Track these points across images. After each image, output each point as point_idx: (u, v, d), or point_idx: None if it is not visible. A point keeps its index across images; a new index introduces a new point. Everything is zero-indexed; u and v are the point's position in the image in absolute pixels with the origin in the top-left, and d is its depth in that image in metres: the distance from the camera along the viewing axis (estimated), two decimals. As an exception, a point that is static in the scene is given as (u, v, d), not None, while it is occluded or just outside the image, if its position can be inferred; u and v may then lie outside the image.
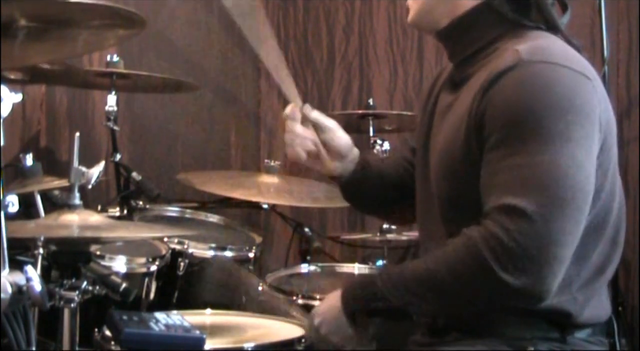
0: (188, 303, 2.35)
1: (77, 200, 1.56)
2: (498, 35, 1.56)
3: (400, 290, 1.47)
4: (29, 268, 1.28)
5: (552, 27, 1.56)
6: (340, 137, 1.78)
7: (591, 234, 1.46)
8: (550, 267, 1.36)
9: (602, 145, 1.46)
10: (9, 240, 1.28)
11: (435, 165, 1.59)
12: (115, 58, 2.68)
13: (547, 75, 1.43)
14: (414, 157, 1.77)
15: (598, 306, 1.54)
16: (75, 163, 1.55)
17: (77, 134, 1.56)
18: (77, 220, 1.54)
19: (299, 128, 1.75)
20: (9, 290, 1.24)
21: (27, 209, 2.08)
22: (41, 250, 1.66)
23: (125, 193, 2.67)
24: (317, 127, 1.76)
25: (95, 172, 1.55)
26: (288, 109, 1.77)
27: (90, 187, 1.56)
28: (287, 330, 1.81)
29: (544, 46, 1.49)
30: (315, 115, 1.77)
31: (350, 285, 1.58)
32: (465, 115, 1.49)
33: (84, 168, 1.55)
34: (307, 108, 1.76)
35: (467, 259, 1.40)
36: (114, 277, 1.60)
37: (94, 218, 1.58)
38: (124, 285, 1.59)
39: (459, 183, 1.52)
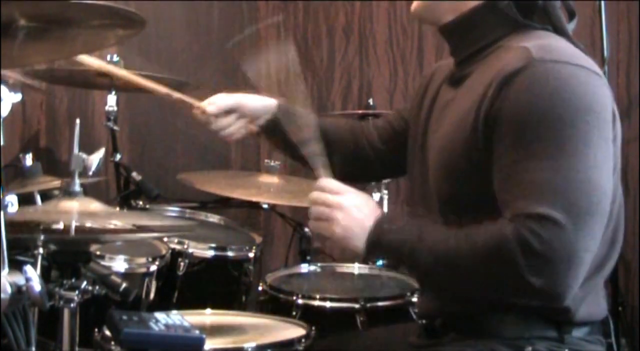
0: (188, 303, 2.35)
1: (77, 187, 1.55)
2: (502, 34, 1.55)
3: (428, 258, 1.44)
4: (28, 268, 1.28)
5: (558, 30, 1.56)
6: (252, 105, 1.97)
7: None
8: (575, 271, 1.37)
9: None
10: (9, 239, 1.28)
11: (434, 163, 1.58)
12: (115, 58, 2.68)
13: (560, 75, 1.42)
14: (403, 127, 1.82)
15: (595, 304, 1.54)
16: (76, 150, 1.54)
17: (78, 121, 1.55)
18: (76, 207, 1.53)
19: (220, 122, 1.94)
20: (9, 290, 1.24)
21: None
22: (41, 250, 1.66)
23: (125, 193, 2.67)
24: (231, 111, 1.95)
25: (95, 159, 1.54)
26: (199, 114, 1.96)
27: (90, 174, 1.55)
28: (287, 330, 1.81)
29: (553, 45, 1.48)
30: (216, 108, 1.95)
31: (383, 223, 1.50)
32: (470, 112, 1.47)
33: (84, 155, 1.54)
34: (210, 108, 1.94)
35: (498, 257, 1.38)
36: (114, 277, 1.59)
37: (94, 205, 1.57)
38: (124, 285, 1.59)
39: (459, 181, 1.51)
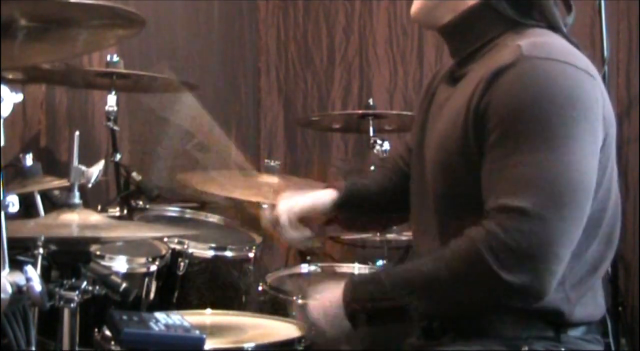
0: (188, 303, 2.35)
1: (77, 200, 1.56)
2: (499, 32, 1.56)
3: (403, 288, 1.47)
4: (29, 268, 1.28)
5: (553, 27, 1.57)
6: (320, 206, 1.87)
7: (586, 232, 1.45)
8: (548, 266, 1.36)
9: (603, 142, 1.47)
10: (9, 240, 1.28)
11: (431, 159, 1.59)
12: (115, 58, 2.68)
13: (548, 72, 1.43)
14: (410, 154, 1.78)
15: (591, 304, 1.54)
16: (75, 162, 1.54)
17: (77, 133, 1.56)
18: (77, 220, 1.54)
19: (289, 232, 1.85)
20: (9, 290, 1.24)
21: (27, 209, 2.08)
22: (41, 250, 1.66)
23: (125, 193, 2.67)
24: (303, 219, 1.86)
25: (95, 171, 1.55)
26: (267, 221, 1.89)
27: (90, 186, 1.55)
28: (287, 330, 1.81)
29: (545, 43, 1.49)
30: (286, 216, 1.85)
31: (352, 281, 1.56)
32: (463, 110, 1.49)
33: (83, 167, 1.55)
34: (280, 214, 1.85)
35: (468, 258, 1.40)
36: (114, 277, 1.59)
37: (94, 217, 1.58)
38: (124, 285, 1.59)
39: (454, 177, 1.52)
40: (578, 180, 1.39)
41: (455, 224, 1.49)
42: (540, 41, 1.49)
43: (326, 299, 1.59)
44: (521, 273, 1.36)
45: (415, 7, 1.64)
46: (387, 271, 1.53)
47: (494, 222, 1.38)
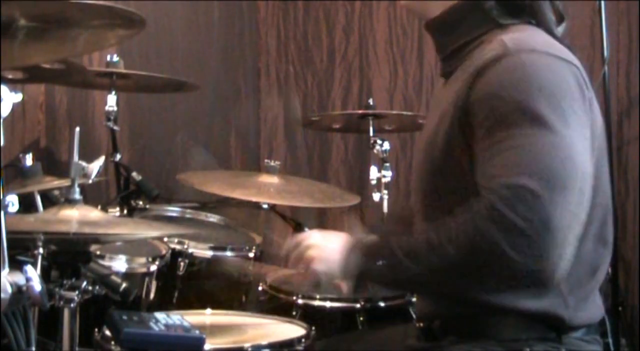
0: (188, 303, 2.35)
1: (77, 195, 1.55)
2: (485, 30, 1.57)
3: (412, 258, 1.41)
4: (28, 268, 1.28)
5: (542, 27, 1.57)
6: None
7: None
8: (557, 248, 1.32)
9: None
10: (9, 239, 1.28)
11: (420, 157, 1.60)
12: (115, 58, 2.68)
13: (533, 64, 1.44)
14: None
15: (591, 308, 1.53)
16: (76, 157, 1.54)
17: (77, 129, 1.55)
18: (76, 216, 1.53)
19: None
20: (9, 290, 1.24)
21: (27, 209, 2.08)
22: (41, 250, 1.66)
23: (125, 193, 2.67)
24: None
25: (95, 166, 1.55)
26: None
27: (90, 182, 1.55)
28: (287, 330, 1.81)
29: (527, 37, 1.51)
30: None
31: (361, 242, 1.52)
32: (450, 107, 1.49)
33: (84, 163, 1.54)
34: None
35: (475, 236, 1.35)
36: (114, 277, 1.59)
37: (94, 214, 1.57)
38: (124, 285, 1.59)
39: (439, 175, 1.52)
40: (577, 164, 1.38)
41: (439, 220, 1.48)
42: (522, 35, 1.51)
43: (327, 249, 1.54)
44: (532, 256, 1.31)
45: None
46: (397, 239, 1.46)
47: (500, 200, 1.33)
